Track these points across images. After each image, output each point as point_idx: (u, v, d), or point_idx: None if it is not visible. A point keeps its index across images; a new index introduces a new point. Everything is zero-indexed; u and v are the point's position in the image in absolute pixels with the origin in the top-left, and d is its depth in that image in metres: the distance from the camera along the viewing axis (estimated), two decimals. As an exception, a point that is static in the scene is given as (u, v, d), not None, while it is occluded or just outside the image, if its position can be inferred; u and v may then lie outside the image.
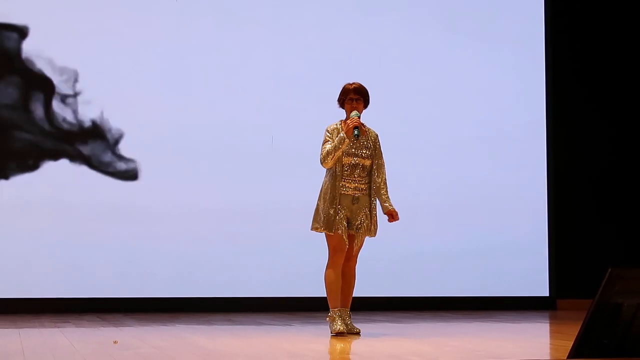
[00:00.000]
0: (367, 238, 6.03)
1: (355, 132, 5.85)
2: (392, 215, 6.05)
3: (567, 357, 4.25)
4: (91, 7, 8.42)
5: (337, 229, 5.87)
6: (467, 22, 9.30)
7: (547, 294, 9.32)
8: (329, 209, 5.88)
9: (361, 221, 5.95)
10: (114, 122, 8.38)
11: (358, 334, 6.00)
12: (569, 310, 9.00)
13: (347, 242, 5.93)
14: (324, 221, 5.89)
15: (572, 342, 4.23)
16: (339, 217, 5.88)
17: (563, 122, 9.50)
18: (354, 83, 6.06)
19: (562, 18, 9.57)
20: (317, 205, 5.99)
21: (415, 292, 8.94)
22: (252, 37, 8.75)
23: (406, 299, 8.90)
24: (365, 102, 6.06)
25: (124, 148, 8.38)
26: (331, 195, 5.90)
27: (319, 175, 8.61)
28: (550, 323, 7.77)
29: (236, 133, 8.64)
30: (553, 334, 6.89)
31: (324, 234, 5.96)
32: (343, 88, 6.08)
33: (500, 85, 9.32)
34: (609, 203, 9.60)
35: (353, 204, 5.94)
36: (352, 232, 5.95)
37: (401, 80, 9.06)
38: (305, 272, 8.51)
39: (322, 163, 5.95)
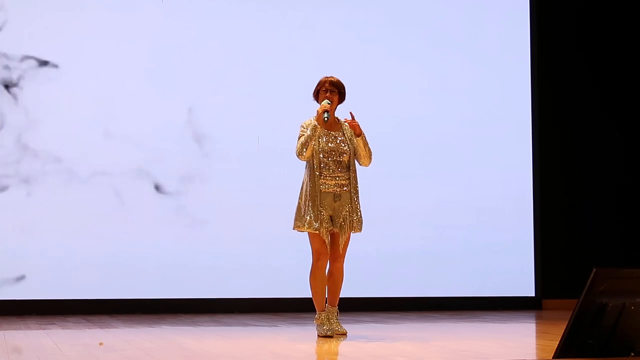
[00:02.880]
0: (352, 236, 6.00)
1: (325, 116, 5.83)
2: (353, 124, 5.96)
3: (553, 357, 4.26)
4: (74, 6, 8.39)
5: (320, 231, 5.85)
6: (452, 21, 9.31)
7: (533, 294, 9.33)
8: (311, 209, 5.86)
9: (344, 218, 5.91)
10: (97, 122, 8.36)
11: (344, 334, 5.99)
12: (555, 310, 9.02)
13: (328, 245, 5.90)
14: (307, 221, 5.86)
15: (558, 342, 4.24)
16: (322, 217, 5.86)
17: (549, 121, 9.53)
18: (331, 76, 6.05)
19: (547, 16, 9.59)
20: (298, 204, 5.95)
21: (401, 292, 8.94)
22: (237, 37, 8.74)
23: (392, 300, 8.90)
24: (341, 97, 6.03)
25: (109, 149, 8.36)
26: (312, 195, 5.87)
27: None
28: (536, 323, 7.79)
29: (222, 133, 8.62)
30: (539, 334, 6.91)
31: (307, 234, 5.93)
32: (319, 81, 6.06)
33: (485, 85, 9.33)
34: (595, 203, 9.62)
35: (335, 201, 5.91)
36: (335, 229, 5.93)
37: (386, 80, 9.06)
38: (291, 273, 8.49)
39: (298, 155, 5.91)
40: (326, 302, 6.02)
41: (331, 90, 5.98)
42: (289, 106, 8.67)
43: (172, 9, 8.62)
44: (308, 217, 5.85)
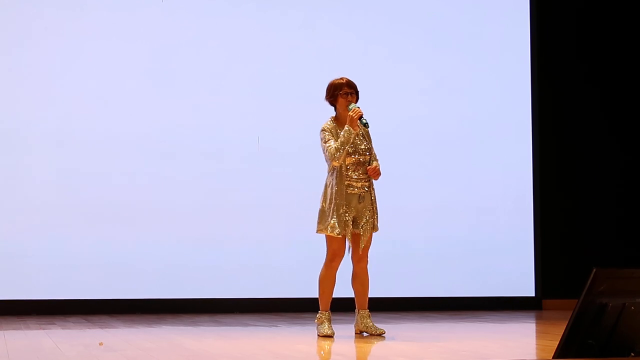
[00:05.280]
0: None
1: (364, 121, 5.84)
2: (374, 170, 5.94)
3: (553, 357, 4.26)
4: (74, 6, 8.40)
5: (346, 233, 5.85)
6: (452, 21, 9.30)
7: (533, 294, 9.33)
8: (336, 213, 5.84)
9: (366, 219, 5.94)
10: (97, 122, 8.36)
11: (381, 335, 5.97)
12: (555, 311, 9.02)
13: (350, 246, 5.91)
14: (331, 225, 5.83)
15: (558, 342, 4.24)
16: (347, 221, 5.86)
17: (549, 121, 9.52)
18: (342, 78, 6.05)
19: (547, 16, 9.59)
20: (322, 207, 5.92)
21: (401, 292, 8.94)
22: (237, 37, 8.74)
23: (392, 300, 8.89)
24: (357, 97, 6.05)
25: (108, 149, 8.36)
26: (339, 197, 5.85)
27: (305, 175, 8.61)
28: (536, 323, 7.79)
29: (222, 133, 8.62)
30: (539, 334, 6.91)
31: (324, 235, 5.93)
32: (333, 84, 6.03)
33: (485, 85, 9.33)
34: (595, 203, 9.62)
35: (359, 203, 5.93)
36: (357, 231, 5.93)
37: (386, 80, 9.05)
38: (291, 273, 8.51)
39: (332, 160, 5.86)
40: (330, 305, 6.00)
41: (351, 93, 6.00)
42: (289, 106, 8.68)
43: (172, 9, 8.62)
44: (332, 221, 5.84)
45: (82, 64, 8.36)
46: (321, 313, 5.97)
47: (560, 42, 9.66)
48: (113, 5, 8.48)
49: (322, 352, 5.27)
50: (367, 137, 6.06)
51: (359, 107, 5.92)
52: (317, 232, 5.96)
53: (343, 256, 5.94)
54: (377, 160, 6.04)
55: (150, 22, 8.56)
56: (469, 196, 9.18)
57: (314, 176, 8.48)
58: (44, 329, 6.54)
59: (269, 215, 8.62)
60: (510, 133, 9.37)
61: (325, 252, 5.95)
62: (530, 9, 9.51)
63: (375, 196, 6.01)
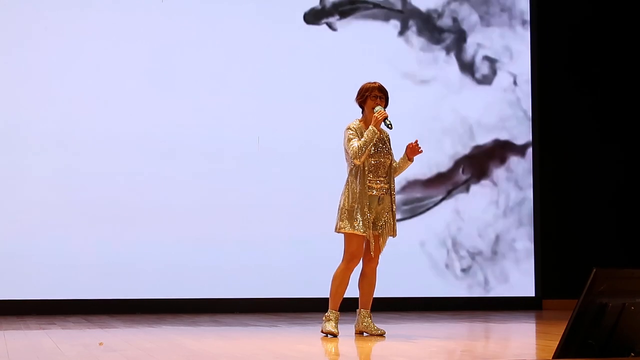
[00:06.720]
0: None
1: (388, 123, 5.88)
2: (413, 148, 6.05)
3: (553, 357, 4.26)
4: (74, 6, 8.40)
5: (367, 235, 5.86)
6: (452, 21, 9.30)
7: (533, 294, 9.33)
8: (359, 212, 5.86)
9: (385, 221, 5.96)
10: (97, 122, 8.36)
11: (382, 335, 5.97)
12: (555, 311, 9.02)
13: (372, 246, 5.91)
14: (355, 224, 5.84)
15: (558, 342, 4.24)
16: (369, 221, 5.87)
17: (549, 122, 9.53)
18: (375, 82, 6.13)
19: (547, 16, 9.60)
20: (343, 205, 5.92)
21: (401, 292, 8.94)
22: (237, 37, 8.74)
23: (392, 300, 8.89)
24: (386, 101, 6.08)
25: (108, 149, 8.36)
26: (363, 197, 5.87)
27: (305, 175, 8.61)
28: (536, 323, 7.79)
29: (222, 133, 8.63)
30: (539, 334, 6.91)
31: (342, 236, 5.93)
32: (364, 87, 6.11)
33: (485, 85, 9.32)
34: (595, 204, 9.62)
35: (378, 204, 5.94)
36: (375, 232, 5.95)
37: (385, 81, 9.00)
38: (291, 273, 8.51)
39: (354, 158, 5.88)
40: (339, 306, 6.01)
41: (380, 97, 6.02)
42: (289, 106, 8.68)
43: (172, 9, 8.62)
44: (357, 220, 5.85)
45: (82, 64, 8.37)
46: (330, 312, 5.96)
47: (560, 41, 9.66)
48: (113, 5, 8.48)
49: (322, 352, 5.27)
50: (387, 141, 6.09)
51: (384, 110, 5.95)
52: (337, 231, 5.95)
53: (361, 257, 5.96)
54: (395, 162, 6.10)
55: (150, 22, 8.56)
56: (468, 196, 9.18)
57: (314, 176, 8.54)
58: (44, 329, 6.54)
59: (269, 215, 8.62)
60: (510, 133, 9.36)
61: (343, 252, 5.95)
62: (530, 9, 9.51)
63: (395, 199, 6.02)
